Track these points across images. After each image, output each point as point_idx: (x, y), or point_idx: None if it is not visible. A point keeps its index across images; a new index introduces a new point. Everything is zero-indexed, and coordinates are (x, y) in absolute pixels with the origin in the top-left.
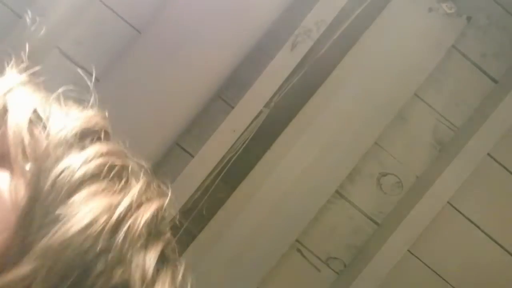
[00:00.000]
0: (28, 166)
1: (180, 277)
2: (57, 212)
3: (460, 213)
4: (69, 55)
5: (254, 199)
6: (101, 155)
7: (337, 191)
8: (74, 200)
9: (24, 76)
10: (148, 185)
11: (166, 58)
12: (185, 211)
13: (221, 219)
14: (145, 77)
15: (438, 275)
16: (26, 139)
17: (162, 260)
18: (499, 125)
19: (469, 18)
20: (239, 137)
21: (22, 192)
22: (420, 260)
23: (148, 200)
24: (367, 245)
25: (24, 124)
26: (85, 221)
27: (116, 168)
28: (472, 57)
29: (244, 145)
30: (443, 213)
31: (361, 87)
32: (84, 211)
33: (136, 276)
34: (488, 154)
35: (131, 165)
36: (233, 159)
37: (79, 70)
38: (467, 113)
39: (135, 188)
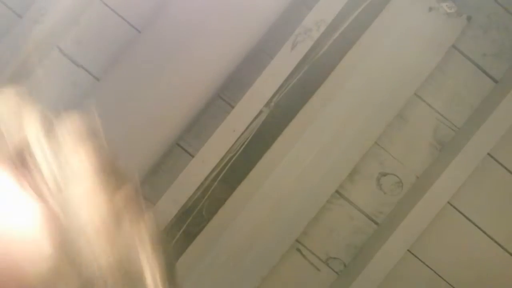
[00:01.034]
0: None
1: None
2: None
3: (460, 213)
4: (69, 55)
5: (254, 199)
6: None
7: (337, 191)
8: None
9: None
10: None
11: (166, 58)
12: (185, 211)
13: (221, 219)
14: (145, 76)
15: (438, 275)
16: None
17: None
18: (499, 125)
19: (469, 18)
20: (239, 137)
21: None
22: (420, 260)
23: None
24: (367, 245)
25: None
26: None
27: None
28: (472, 57)
29: (244, 145)
30: (443, 213)
31: (361, 87)
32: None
33: None
34: (488, 154)
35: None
36: (233, 159)
37: (79, 70)
38: (467, 113)
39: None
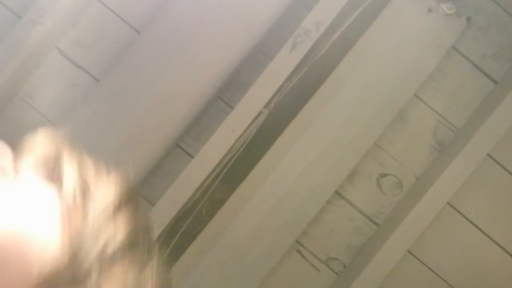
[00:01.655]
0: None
1: None
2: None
3: (460, 213)
4: (68, 55)
5: (254, 200)
6: (132, 230)
7: (336, 192)
8: (113, 270)
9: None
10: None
11: (166, 59)
12: (185, 212)
13: (221, 219)
14: (145, 77)
15: (438, 275)
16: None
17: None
18: (499, 125)
19: (469, 19)
20: (239, 138)
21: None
22: (420, 261)
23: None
24: (366, 245)
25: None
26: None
27: (141, 242)
28: (472, 58)
29: (244, 145)
30: (443, 213)
31: (361, 88)
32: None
33: None
34: (488, 155)
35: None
36: (233, 160)
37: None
38: (467, 113)
39: (156, 260)
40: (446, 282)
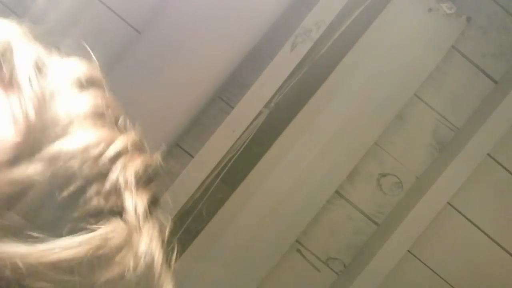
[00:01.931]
0: (35, 93)
1: (167, 233)
2: (65, 128)
3: (460, 213)
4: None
5: (254, 199)
6: (104, 98)
7: (337, 192)
8: (82, 123)
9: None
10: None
11: (166, 58)
12: (185, 211)
13: (221, 219)
14: (145, 77)
15: (438, 275)
16: (35, 66)
17: (153, 206)
18: (499, 125)
19: (469, 19)
20: (239, 138)
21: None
22: (420, 261)
23: (144, 148)
24: (367, 245)
25: (32, 57)
26: (91, 141)
27: (116, 113)
28: (472, 58)
29: (244, 145)
30: (443, 213)
31: (360, 88)
32: (90, 133)
33: (129, 208)
34: (488, 154)
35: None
36: (233, 160)
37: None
38: (467, 113)
39: (135, 132)
40: (446, 282)
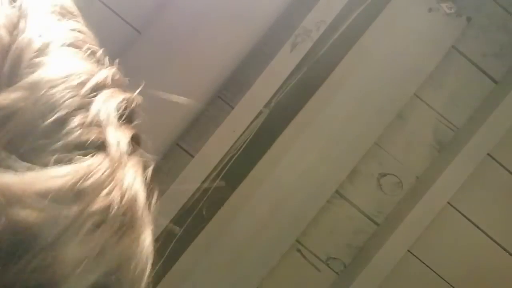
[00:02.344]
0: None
1: (149, 172)
2: (42, 53)
3: (460, 213)
4: None
5: (254, 199)
6: (81, 31)
7: (337, 191)
8: (60, 53)
9: None
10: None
11: (166, 58)
12: (185, 211)
13: (221, 219)
14: (145, 77)
15: (438, 275)
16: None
17: (136, 144)
18: (499, 125)
19: (469, 19)
20: (239, 137)
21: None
22: (420, 260)
23: (124, 86)
24: (367, 245)
25: None
26: (71, 70)
27: (94, 47)
28: (472, 58)
29: (244, 145)
30: (443, 213)
31: (361, 87)
32: (70, 62)
33: (112, 141)
34: (488, 154)
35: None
36: (233, 159)
37: None
38: (467, 113)
39: (114, 70)
40: (446, 282)
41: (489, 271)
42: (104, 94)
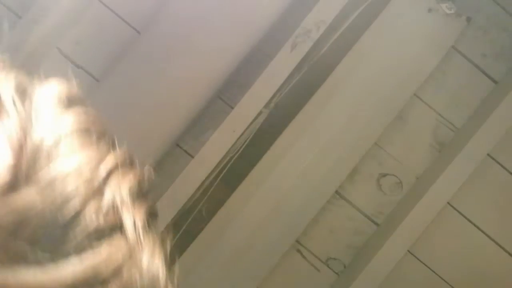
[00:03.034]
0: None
1: (169, 244)
2: (54, 149)
3: (460, 213)
4: (68, 55)
5: (254, 200)
6: (88, 114)
7: (337, 192)
8: (70, 143)
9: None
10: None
11: (166, 59)
12: (185, 211)
13: (221, 219)
14: (145, 77)
15: (438, 275)
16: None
17: (151, 218)
18: (499, 125)
19: (469, 19)
20: (239, 138)
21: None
22: (420, 261)
23: (134, 162)
24: (367, 245)
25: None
26: (82, 161)
27: (101, 129)
28: (472, 58)
29: (244, 145)
30: (443, 213)
31: (361, 88)
32: (80, 153)
33: (128, 224)
34: (488, 155)
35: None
36: (233, 160)
37: (79, 71)
38: (467, 113)
39: (122, 150)
40: (446, 282)
41: (489, 271)
42: (116, 177)
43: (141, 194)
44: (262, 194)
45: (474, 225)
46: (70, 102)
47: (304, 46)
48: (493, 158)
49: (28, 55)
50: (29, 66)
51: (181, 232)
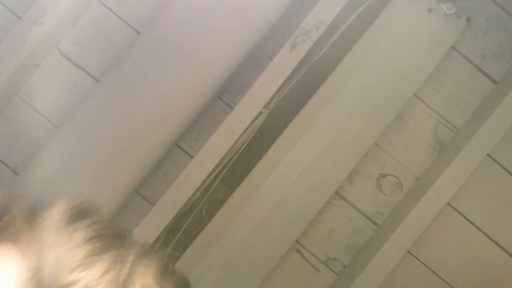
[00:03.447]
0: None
1: None
2: (77, 264)
3: (460, 214)
4: (68, 56)
5: (254, 200)
6: (99, 220)
7: (336, 192)
8: (86, 256)
9: None
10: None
11: (166, 60)
12: (185, 211)
13: (221, 219)
14: (145, 77)
15: (438, 275)
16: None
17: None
18: (499, 125)
19: (468, 19)
20: (238, 138)
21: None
22: (420, 261)
23: (150, 250)
24: (366, 246)
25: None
26: (103, 268)
27: (115, 227)
28: (471, 58)
29: (244, 146)
30: (443, 214)
31: (360, 88)
32: (100, 261)
33: None
34: (488, 155)
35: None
36: (233, 160)
37: (79, 71)
38: (467, 114)
39: (139, 240)
40: (446, 282)
41: (489, 271)
42: (138, 273)
43: (163, 271)
44: (262, 194)
45: (474, 225)
46: (80, 213)
47: (304, 47)
48: (493, 158)
49: (28, 55)
50: (29, 66)
51: (181, 232)
